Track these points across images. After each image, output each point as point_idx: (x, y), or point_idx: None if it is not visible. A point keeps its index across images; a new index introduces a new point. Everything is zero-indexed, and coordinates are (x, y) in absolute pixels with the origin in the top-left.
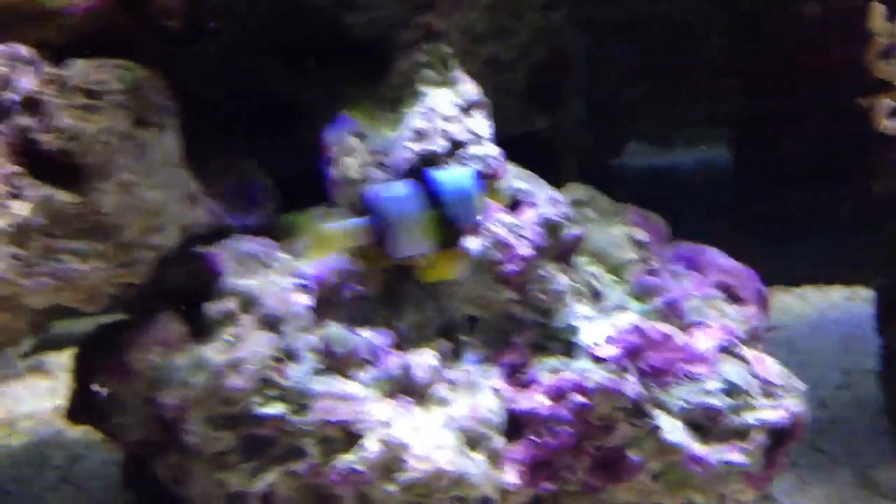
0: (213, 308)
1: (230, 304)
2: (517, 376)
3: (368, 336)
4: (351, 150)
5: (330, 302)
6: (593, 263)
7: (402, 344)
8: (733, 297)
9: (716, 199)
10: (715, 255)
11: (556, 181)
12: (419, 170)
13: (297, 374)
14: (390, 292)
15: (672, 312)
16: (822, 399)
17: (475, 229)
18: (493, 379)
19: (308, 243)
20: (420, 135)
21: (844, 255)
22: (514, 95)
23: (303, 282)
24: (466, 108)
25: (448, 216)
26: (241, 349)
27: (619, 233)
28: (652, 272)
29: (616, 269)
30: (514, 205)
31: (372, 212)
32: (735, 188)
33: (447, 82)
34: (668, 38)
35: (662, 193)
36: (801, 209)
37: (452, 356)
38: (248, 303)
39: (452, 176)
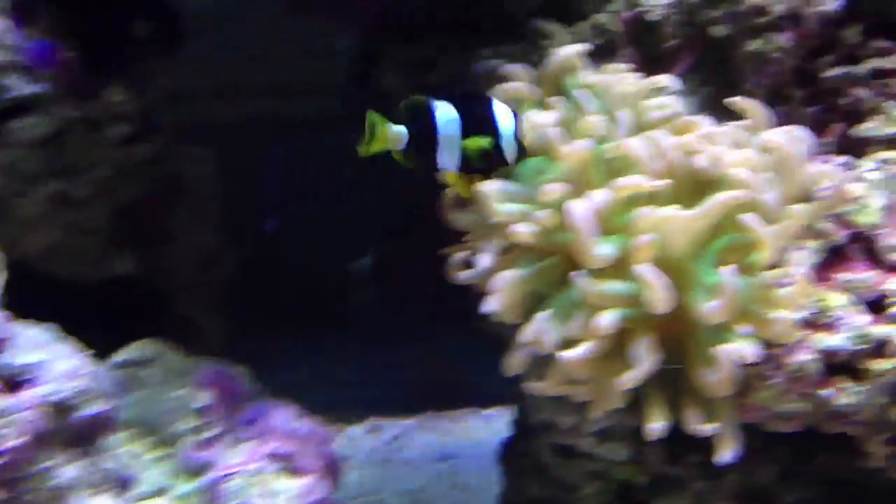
0: None
1: None
2: None
3: None
4: None
5: None
6: (134, 440)
7: None
8: (292, 467)
9: None
10: (281, 419)
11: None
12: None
13: None
14: None
15: (212, 495)
16: None
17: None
18: None
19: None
20: None
21: None
22: (91, 235)
23: None
24: None
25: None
26: None
27: (179, 398)
28: (205, 444)
29: (164, 444)
30: (14, 383)
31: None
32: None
33: None
34: None
35: None
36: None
37: None
38: None
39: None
